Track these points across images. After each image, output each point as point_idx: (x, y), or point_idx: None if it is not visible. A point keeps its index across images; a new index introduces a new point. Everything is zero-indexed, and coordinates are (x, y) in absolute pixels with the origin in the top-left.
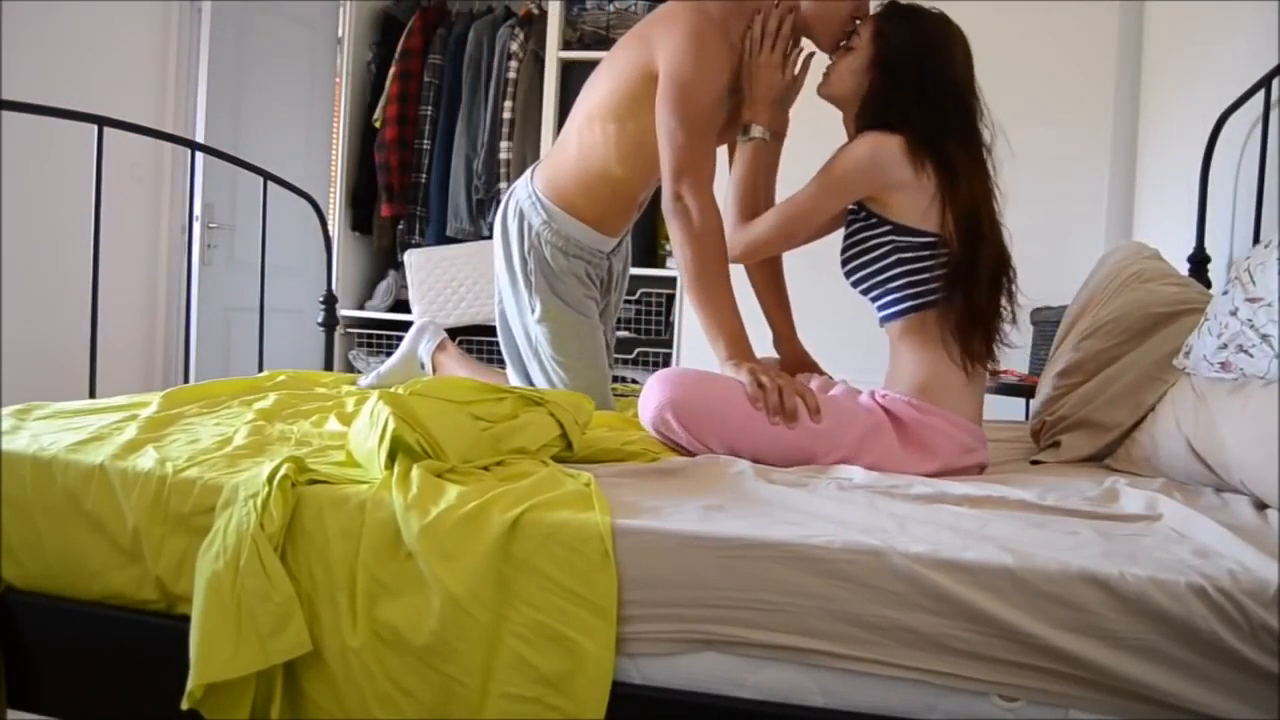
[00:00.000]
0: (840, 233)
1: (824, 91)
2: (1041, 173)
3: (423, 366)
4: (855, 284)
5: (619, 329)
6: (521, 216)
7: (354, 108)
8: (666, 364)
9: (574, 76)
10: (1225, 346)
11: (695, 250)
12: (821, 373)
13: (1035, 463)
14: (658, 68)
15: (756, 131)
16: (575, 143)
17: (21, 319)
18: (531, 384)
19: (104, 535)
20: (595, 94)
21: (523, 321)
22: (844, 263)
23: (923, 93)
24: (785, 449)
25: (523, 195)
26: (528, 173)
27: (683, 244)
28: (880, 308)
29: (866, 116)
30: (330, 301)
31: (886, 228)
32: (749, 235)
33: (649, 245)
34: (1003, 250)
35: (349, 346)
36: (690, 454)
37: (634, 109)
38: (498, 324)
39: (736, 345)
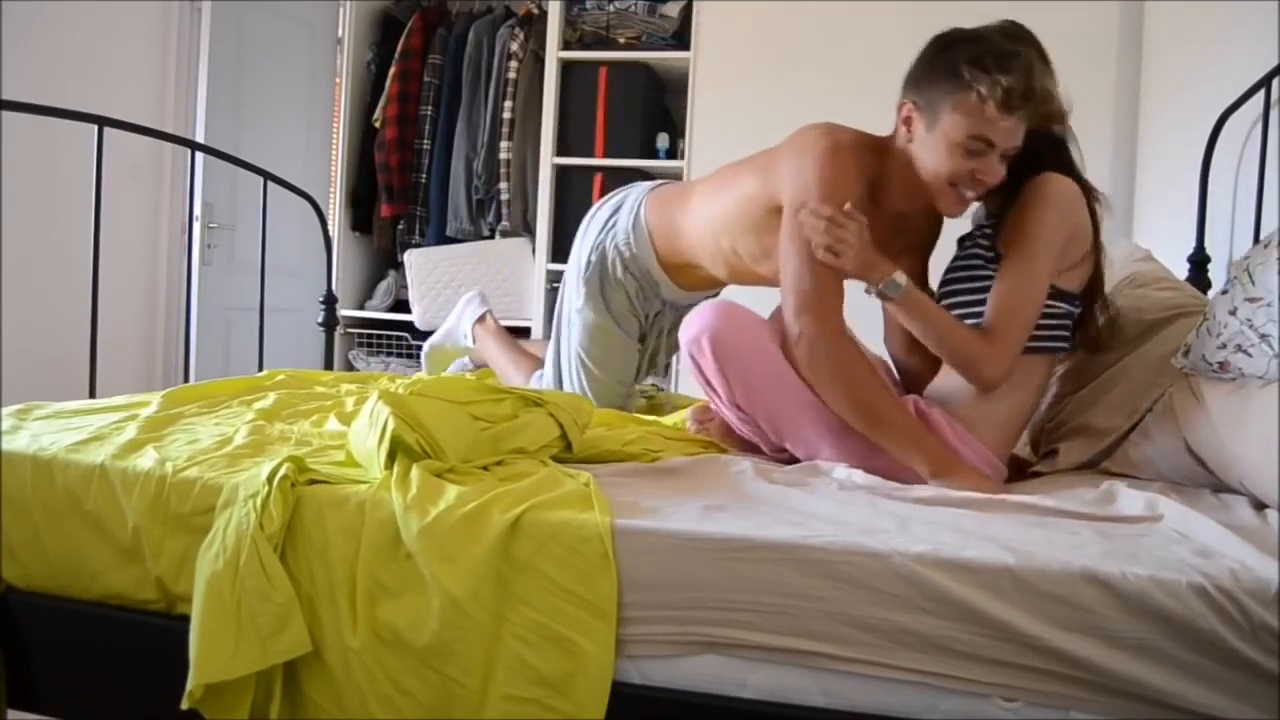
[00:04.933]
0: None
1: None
2: None
3: (465, 336)
4: (944, 299)
5: None
6: (614, 216)
7: (354, 108)
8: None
9: (574, 76)
10: (1224, 346)
11: (842, 389)
12: None
13: (1035, 474)
14: (781, 200)
15: (900, 280)
16: (690, 230)
17: (21, 319)
18: (558, 361)
19: (104, 535)
20: (716, 203)
21: (567, 297)
22: (945, 283)
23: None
24: (806, 420)
25: (631, 203)
26: (649, 187)
27: (827, 385)
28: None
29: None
30: (330, 301)
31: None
32: (1002, 349)
33: None
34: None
35: (349, 346)
36: (709, 386)
37: (750, 236)
38: (561, 290)
39: (934, 457)
